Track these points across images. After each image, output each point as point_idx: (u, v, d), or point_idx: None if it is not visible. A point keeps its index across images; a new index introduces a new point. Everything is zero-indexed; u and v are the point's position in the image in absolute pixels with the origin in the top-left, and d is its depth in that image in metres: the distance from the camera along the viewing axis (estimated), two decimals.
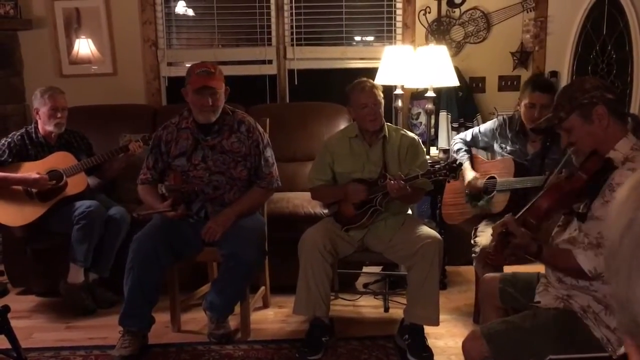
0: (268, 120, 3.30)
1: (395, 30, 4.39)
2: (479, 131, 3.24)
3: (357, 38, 4.56)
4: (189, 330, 3.15)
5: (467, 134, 3.30)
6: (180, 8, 4.47)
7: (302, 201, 3.52)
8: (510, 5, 4.25)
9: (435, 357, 2.78)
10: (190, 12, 4.53)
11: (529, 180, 2.86)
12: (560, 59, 4.23)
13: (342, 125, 3.83)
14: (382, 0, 4.35)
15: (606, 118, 1.84)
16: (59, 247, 3.35)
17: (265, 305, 3.43)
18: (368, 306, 3.46)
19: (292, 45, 4.39)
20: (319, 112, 4.12)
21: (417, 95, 4.22)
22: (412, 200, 3.05)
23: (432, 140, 4.03)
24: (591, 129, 1.86)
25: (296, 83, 4.40)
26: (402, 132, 3.06)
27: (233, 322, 3.08)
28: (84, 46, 4.28)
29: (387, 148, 2.97)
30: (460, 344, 2.04)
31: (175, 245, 2.91)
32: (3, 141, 3.37)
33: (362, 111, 2.90)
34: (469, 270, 3.57)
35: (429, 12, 4.25)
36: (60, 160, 3.37)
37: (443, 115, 4.15)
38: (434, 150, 3.95)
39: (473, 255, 2.94)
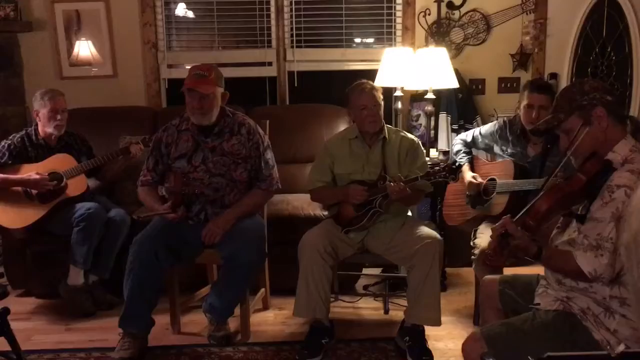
0: (268, 122, 3.30)
1: (395, 32, 4.39)
2: (480, 133, 3.24)
3: (357, 40, 4.56)
4: (189, 332, 3.15)
5: (468, 135, 3.30)
6: (181, 10, 4.48)
7: (302, 203, 3.53)
8: (510, 7, 4.25)
9: (435, 359, 2.78)
10: (191, 14, 4.53)
11: (529, 182, 2.86)
12: (560, 60, 4.23)
13: (342, 127, 3.84)
14: (382, 2, 4.36)
15: (605, 120, 1.84)
16: (59, 249, 3.35)
17: (265, 307, 3.43)
18: (368, 308, 3.46)
19: (292, 47, 4.40)
20: (319, 113, 4.13)
21: (416, 97, 4.23)
22: (412, 202, 3.05)
23: (432, 142, 4.03)
24: (590, 130, 1.86)
25: (296, 85, 4.40)
26: (402, 134, 3.06)
27: (233, 324, 3.08)
28: (84, 48, 4.29)
29: (387, 150, 2.98)
30: (460, 345, 2.04)
31: (175, 247, 2.91)
32: (3, 143, 3.37)
33: (362, 113, 2.91)
34: (469, 272, 3.57)
35: (429, 14, 4.25)
36: (60, 162, 3.37)
37: (443, 117, 4.15)
38: (433, 152, 3.95)
39: (472, 257, 2.93)
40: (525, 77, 4.32)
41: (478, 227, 3.06)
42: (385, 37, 4.43)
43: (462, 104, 4.20)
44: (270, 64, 4.42)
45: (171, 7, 4.42)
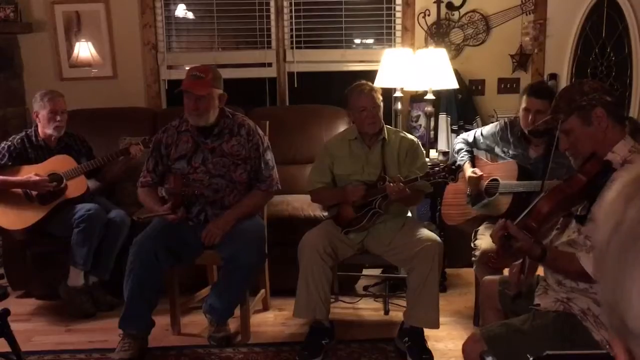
0: (268, 123, 3.31)
1: (394, 32, 4.39)
2: (481, 134, 3.21)
3: (357, 41, 4.56)
4: (189, 333, 3.15)
5: (470, 135, 3.28)
6: (180, 11, 4.48)
7: (301, 204, 3.53)
8: (510, 8, 4.25)
9: None
10: (190, 15, 4.53)
11: (532, 184, 2.84)
12: (559, 61, 4.23)
13: (342, 127, 3.84)
14: (382, 3, 4.36)
15: (605, 120, 1.84)
16: (59, 250, 3.35)
17: (265, 308, 3.43)
18: (368, 309, 3.46)
19: (292, 48, 4.40)
20: (319, 114, 4.13)
21: (416, 98, 4.22)
22: (411, 202, 3.05)
23: (432, 143, 4.03)
24: (590, 131, 1.86)
25: (296, 86, 4.40)
26: (402, 134, 3.07)
27: (233, 324, 3.08)
28: (84, 49, 4.29)
29: (387, 150, 2.98)
30: (460, 346, 2.04)
31: (175, 248, 2.91)
32: (3, 144, 3.37)
33: (361, 114, 2.91)
34: (469, 273, 3.57)
35: (429, 15, 4.25)
36: (60, 163, 3.38)
37: (442, 117, 4.15)
38: (433, 153, 3.95)
39: (473, 259, 2.93)
40: (524, 77, 4.32)
41: (478, 228, 3.06)
42: (385, 37, 4.43)
43: (461, 105, 4.20)
44: (270, 64, 4.42)
45: (171, 8, 4.42)
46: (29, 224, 3.27)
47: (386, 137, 2.98)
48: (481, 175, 3.06)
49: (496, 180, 3.02)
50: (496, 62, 4.32)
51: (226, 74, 3.09)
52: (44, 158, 3.39)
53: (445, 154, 3.84)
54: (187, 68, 3.22)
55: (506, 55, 4.31)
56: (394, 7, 4.36)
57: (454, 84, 3.71)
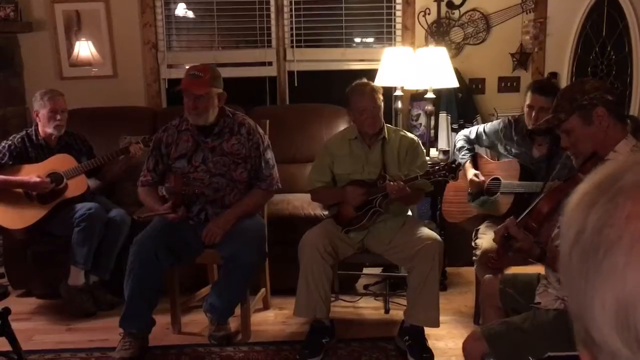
0: (268, 122, 3.31)
1: (394, 31, 4.39)
2: (484, 131, 3.19)
3: (357, 40, 4.56)
4: (190, 332, 3.15)
5: (472, 132, 3.26)
6: (180, 10, 4.48)
7: (302, 203, 3.53)
8: (510, 7, 4.25)
9: (435, 359, 2.79)
10: (190, 14, 4.53)
11: (534, 185, 2.82)
12: (559, 60, 4.23)
13: (342, 126, 3.84)
14: (382, 1, 4.35)
15: (606, 119, 1.84)
16: (60, 249, 3.35)
17: (266, 307, 3.43)
18: (368, 307, 3.46)
19: (292, 47, 4.40)
20: (319, 113, 4.13)
21: (416, 97, 4.22)
22: (412, 201, 3.05)
23: (432, 142, 4.03)
24: (591, 130, 1.86)
25: (296, 85, 4.40)
26: (402, 133, 3.06)
27: (233, 323, 3.08)
28: (84, 48, 4.29)
29: (387, 149, 2.98)
30: (460, 345, 2.04)
31: (176, 247, 2.91)
32: (3, 144, 3.37)
33: (361, 116, 2.90)
34: (469, 272, 3.56)
35: (429, 14, 4.25)
36: (60, 162, 3.38)
37: (443, 116, 4.15)
38: (433, 152, 3.95)
39: (474, 258, 2.93)
40: (525, 76, 4.32)
41: (479, 227, 3.06)
42: (385, 36, 4.42)
43: (462, 104, 4.19)
44: (270, 63, 4.42)
45: (171, 7, 4.42)
46: (30, 223, 3.27)
47: (386, 136, 2.98)
48: (482, 181, 3.05)
49: (498, 179, 3.01)
50: (496, 60, 4.31)
51: (226, 73, 3.09)
52: (44, 157, 3.39)
53: (445, 152, 3.84)
54: (187, 67, 3.22)
55: (506, 54, 4.31)
56: (394, 6, 4.35)
57: (454, 83, 3.71)
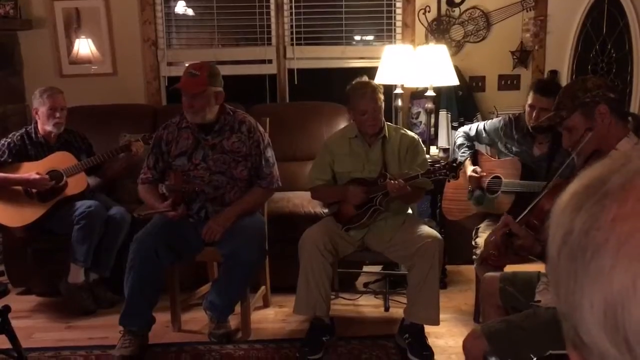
0: (268, 120, 3.30)
1: (395, 29, 4.38)
2: (484, 128, 3.18)
3: (357, 37, 4.55)
4: (190, 330, 3.15)
5: (472, 129, 3.25)
6: (180, 8, 4.47)
7: (302, 201, 3.53)
8: (510, 4, 4.24)
9: (435, 356, 2.79)
10: (190, 12, 4.52)
11: (535, 185, 2.80)
12: (560, 58, 4.23)
13: (342, 124, 3.83)
14: None
15: (608, 117, 1.83)
16: (60, 247, 3.35)
17: (266, 305, 3.43)
18: (368, 305, 3.46)
19: (292, 44, 4.39)
20: (319, 111, 4.12)
21: (416, 95, 4.22)
22: (412, 199, 3.05)
23: (432, 140, 4.03)
24: (593, 128, 1.85)
25: (296, 82, 4.40)
26: (402, 131, 3.06)
27: (233, 321, 3.08)
28: (83, 46, 4.28)
29: (387, 148, 2.97)
30: (460, 343, 2.04)
31: (176, 245, 2.91)
32: (3, 141, 3.37)
33: (362, 116, 2.90)
34: (469, 270, 3.56)
35: (429, 12, 4.25)
36: (60, 160, 3.37)
37: (443, 114, 4.15)
38: (433, 150, 3.95)
39: (474, 257, 2.93)
40: (525, 74, 4.32)
41: (479, 225, 3.05)
42: (385, 34, 4.42)
43: (462, 102, 4.19)
44: (270, 61, 4.41)
45: (171, 4, 4.41)
46: (30, 221, 3.27)
47: (386, 134, 2.98)
48: (482, 175, 3.04)
49: (499, 177, 3.01)
50: (496, 58, 4.31)
51: (226, 70, 3.08)
52: (43, 155, 3.39)
53: (445, 150, 3.84)
54: (187, 65, 3.22)
55: (507, 51, 4.30)
56: (394, 4, 4.35)
57: (454, 81, 3.70)
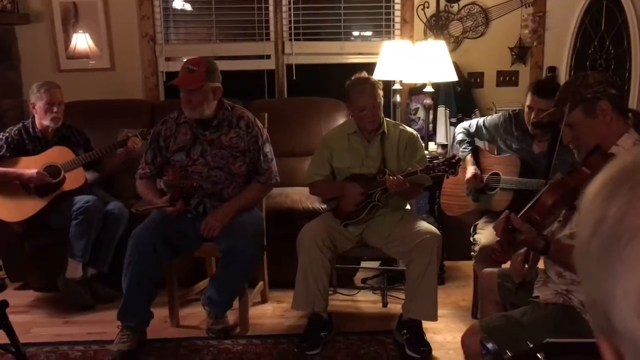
0: (267, 115, 3.30)
1: (393, 25, 4.38)
2: (484, 124, 3.17)
3: (356, 33, 4.55)
4: (188, 325, 3.15)
5: (472, 125, 3.24)
6: (178, 3, 4.45)
7: (300, 196, 3.52)
8: (509, 1, 4.24)
9: (433, 352, 2.79)
10: (188, 7, 4.51)
11: (533, 182, 2.81)
12: (558, 54, 4.23)
13: (341, 120, 3.83)
14: None
15: (609, 113, 1.83)
16: (57, 242, 3.34)
17: (264, 300, 3.43)
18: (366, 301, 3.47)
19: (291, 40, 4.38)
20: (318, 107, 4.12)
21: (415, 91, 4.22)
22: (411, 195, 3.04)
23: (431, 136, 4.03)
24: (594, 124, 1.85)
25: (294, 78, 4.39)
26: (401, 127, 3.06)
27: (231, 317, 3.08)
28: (81, 41, 4.27)
29: (386, 144, 2.97)
30: (458, 338, 2.05)
31: (174, 241, 2.91)
32: (0, 136, 3.36)
33: (361, 113, 2.89)
34: (467, 266, 3.57)
35: (428, 7, 4.24)
36: (57, 155, 3.36)
37: (441, 110, 4.15)
38: (432, 146, 3.94)
39: (472, 253, 2.93)
40: (523, 70, 4.32)
41: (477, 222, 3.05)
42: (384, 30, 4.41)
43: (460, 98, 4.19)
44: (268, 57, 4.40)
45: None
46: (27, 216, 3.27)
47: (385, 130, 2.97)
48: (481, 179, 3.04)
49: (497, 174, 3.01)
50: (495, 54, 4.31)
51: (224, 66, 3.07)
52: (41, 149, 3.38)
53: (444, 146, 3.83)
54: (185, 60, 3.21)
55: (505, 48, 4.30)
56: (393, 0, 4.34)
57: (453, 77, 3.70)
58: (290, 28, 4.37)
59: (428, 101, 3.79)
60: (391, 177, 2.74)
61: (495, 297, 2.23)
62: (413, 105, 4.25)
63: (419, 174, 2.74)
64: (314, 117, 4.05)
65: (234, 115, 3.02)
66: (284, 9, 4.35)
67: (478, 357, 1.88)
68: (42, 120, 3.38)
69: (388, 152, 2.96)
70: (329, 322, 2.96)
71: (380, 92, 2.90)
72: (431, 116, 4.05)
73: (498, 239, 1.90)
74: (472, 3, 4.25)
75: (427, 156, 3.16)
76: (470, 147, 3.18)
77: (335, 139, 3.06)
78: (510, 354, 1.23)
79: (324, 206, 3.31)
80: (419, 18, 4.27)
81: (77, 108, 3.81)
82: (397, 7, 4.33)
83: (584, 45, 4.11)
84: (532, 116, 2.83)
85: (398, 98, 3.97)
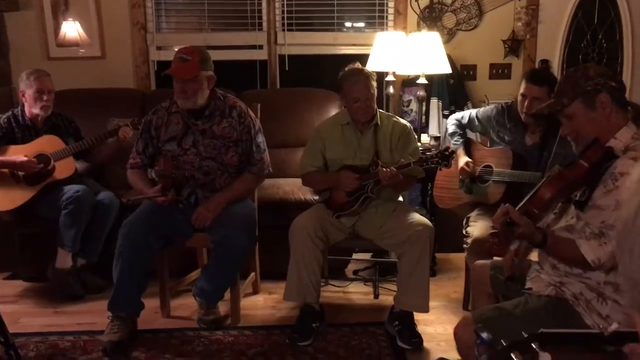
0: (259, 105, 3.28)
1: (387, 16, 4.36)
2: (476, 116, 3.17)
3: (349, 24, 4.52)
4: (179, 316, 3.14)
5: (464, 116, 3.23)
6: None
7: (292, 187, 3.51)
8: None
9: (424, 343, 2.80)
10: None
11: (527, 175, 2.81)
12: (551, 47, 4.23)
13: (333, 111, 3.82)
14: None
15: (609, 106, 1.83)
16: (47, 231, 3.31)
17: (255, 292, 3.42)
18: (358, 293, 3.47)
19: (283, 30, 4.35)
20: (310, 98, 4.10)
21: (408, 82, 4.21)
22: (404, 187, 3.04)
23: (423, 128, 4.02)
24: (594, 116, 1.85)
25: (287, 69, 4.36)
26: (394, 119, 3.05)
27: (223, 308, 3.06)
28: (71, 28, 4.21)
29: (379, 135, 2.96)
30: (449, 330, 2.05)
31: (165, 231, 2.88)
32: None
33: (354, 104, 2.88)
34: (458, 258, 3.58)
35: None
36: (47, 143, 3.33)
37: (434, 102, 4.14)
38: (424, 138, 3.94)
39: (465, 246, 2.93)
40: (516, 63, 4.32)
41: (470, 214, 3.06)
42: (377, 21, 4.39)
43: (453, 90, 4.19)
44: (261, 47, 4.37)
45: None
46: (17, 205, 3.23)
47: (379, 122, 2.96)
48: (474, 169, 3.04)
49: (490, 166, 3.01)
50: (488, 47, 4.30)
51: (216, 55, 3.03)
52: (30, 138, 3.34)
53: (436, 138, 3.83)
54: (177, 49, 3.17)
55: (498, 40, 4.30)
56: None
57: (447, 69, 3.69)
58: (283, 18, 4.34)
59: (421, 93, 3.78)
60: (384, 169, 2.73)
61: (488, 289, 2.23)
62: (406, 97, 4.24)
63: (412, 166, 2.74)
64: (306, 108, 4.03)
65: (226, 105, 3.00)
66: None
67: (471, 348, 1.89)
68: (31, 108, 3.34)
69: (381, 144, 2.95)
70: (321, 313, 2.96)
71: (374, 84, 2.89)
72: (424, 108, 4.04)
73: (494, 230, 1.89)
74: None
75: (420, 148, 3.15)
76: (462, 140, 3.17)
77: (328, 130, 3.04)
78: (504, 344, 1.22)
79: (317, 197, 3.30)
80: (413, 9, 4.25)
81: (67, 97, 3.77)
82: None
83: (577, 38, 4.11)
84: (526, 104, 2.83)
85: (391, 90, 3.96)
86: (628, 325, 1.79)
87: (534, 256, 2.12)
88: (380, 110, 3.03)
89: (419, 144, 3.32)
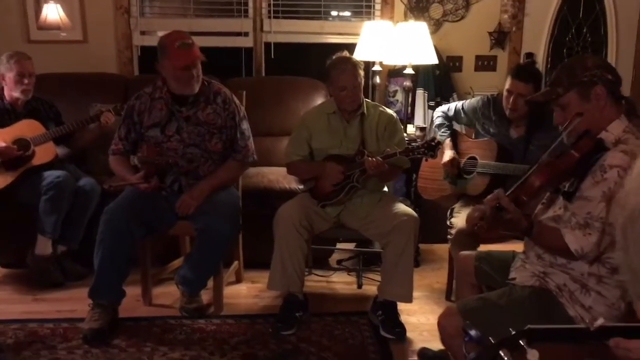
0: (245, 93, 3.24)
1: (374, 5, 4.34)
2: (462, 108, 3.17)
3: (335, 13, 4.49)
4: (161, 304, 3.11)
5: (450, 108, 3.23)
6: None
7: (277, 176, 3.49)
8: None
9: (407, 333, 2.81)
10: None
11: (513, 168, 2.81)
12: (536, 40, 4.25)
13: (319, 100, 3.80)
14: None
15: (604, 98, 1.83)
16: (27, 217, 3.25)
17: (239, 280, 3.41)
18: (341, 282, 3.47)
19: (269, 17, 4.31)
20: (296, 86, 4.07)
21: (394, 73, 4.20)
22: (389, 177, 3.04)
23: (409, 118, 4.02)
24: (588, 107, 1.85)
25: (272, 56, 4.32)
26: (381, 109, 3.04)
27: (206, 296, 3.05)
28: (52, 11, 4.12)
29: (365, 125, 2.95)
30: (432, 320, 2.06)
31: (148, 218, 2.85)
32: None
33: (341, 92, 2.86)
34: (442, 248, 3.60)
35: None
36: (27, 128, 3.27)
37: (420, 93, 4.14)
38: (410, 128, 3.94)
39: (449, 236, 2.94)
40: (502, 55, 4.33)
41: (454, 205, 3.06)
42: (364, 10, 4.37)
43: (439, 81, 4.19)
44: (246, 34, 4.33)
45: None
46: None
47: (365, 111, 2.95)
48: (458, 163, 3.04)
49: (474, 158, 3.01)
50: (474, 39, 4.30)
51: (201, 42, 2.98)
52: (10, 122, 3.28)
53: (422, 129, 3.82)
54: (160, 34, 3.12)
55: (484, 32, 4.30)
56: None
57: (434, 59, 3.68)
58: (269, 5, 4.29)
59: (408, 83, 3.78)
60: (370, 159, 2.72)
61: (472, 279, 2.24)
62: (392, 88, 4.24)
63: (398, 156, 2.74)
64: (291, 97, 4.00)
65: (210, 91, 2.97)
66: None
67: (454, 338, 1.90)
68: (11, 92, 3.28)
69: (367, 134, 2.94)
70: (305, 302, 2.95)
71: (361, 73, 2.87)
72: (410, 99, 4.03)
73: (481, 214, 1.89)
74: None
75: (406, 139, 3.14)
76: (448, 131, 3.17)
77: (314, 119, 3.02)
78: (493, 341, 1.22)
79: (301, 186, 3.28)
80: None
81: (48, 81, 3.70)
82: None
83: (562, 32, 4.14)
84: (511, 100, 2.84)
85: (377, 79, 3.94)
86: (610, 317, 1.81)
87: (515, 247, 2.13)
88: (367, 100, 3.02)
89: (404, 134, 3.32)
